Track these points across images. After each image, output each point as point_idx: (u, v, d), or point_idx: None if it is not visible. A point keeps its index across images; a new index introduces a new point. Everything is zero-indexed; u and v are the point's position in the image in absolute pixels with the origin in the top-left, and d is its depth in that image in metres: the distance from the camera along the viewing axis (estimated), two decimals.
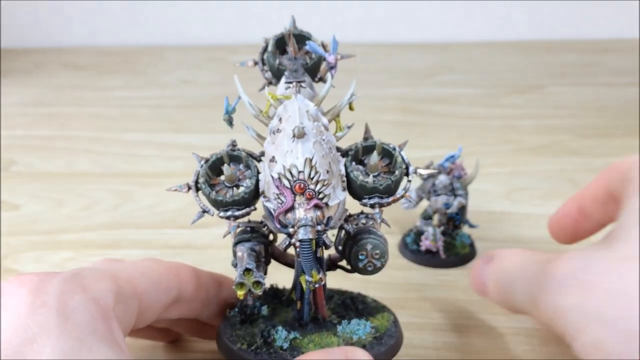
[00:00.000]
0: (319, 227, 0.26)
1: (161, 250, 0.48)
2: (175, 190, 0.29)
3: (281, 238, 0.28)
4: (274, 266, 0.32)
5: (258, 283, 0.28)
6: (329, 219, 0.27)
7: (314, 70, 0.31)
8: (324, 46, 0.31)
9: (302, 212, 0.26)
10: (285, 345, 0.29)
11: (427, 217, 0.45)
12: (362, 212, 0.30)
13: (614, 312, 0.25)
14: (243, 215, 0.29)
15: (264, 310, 0.32)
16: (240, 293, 0.28)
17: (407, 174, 0.29)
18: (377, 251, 0.28)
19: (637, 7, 0.88)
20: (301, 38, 0.31)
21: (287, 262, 0.32)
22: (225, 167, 0.29)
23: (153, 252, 0.48)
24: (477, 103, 0.73)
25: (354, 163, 0.29)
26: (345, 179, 0.29)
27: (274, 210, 0.27)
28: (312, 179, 0.26)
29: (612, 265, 0.27)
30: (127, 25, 0.95)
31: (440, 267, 0.45)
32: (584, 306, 0.26)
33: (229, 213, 0.28)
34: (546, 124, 0.67)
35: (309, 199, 0.26)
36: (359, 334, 0.29)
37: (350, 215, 0.30)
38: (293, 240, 0.26)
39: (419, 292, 0.43)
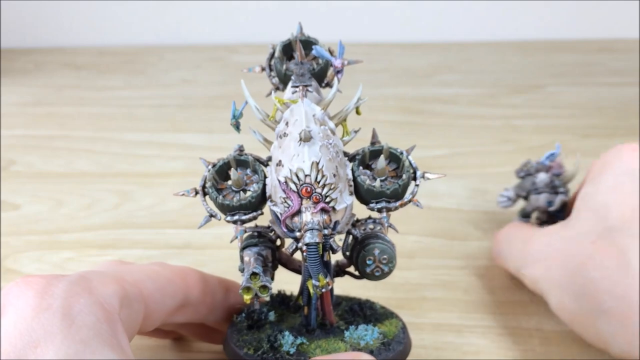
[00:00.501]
0: (326, 231, 0.26)
1: (161, 250, 0.48)
2: (183, 194, 0.29)
3: (288, 243, 0.28)
4: (281, 271, 0.32)
5: (265, 287, 0.28)
6: (336, 223, 0.27)
7: (321, 75, 0.31)
8: (330, 51, 0.31)
9: (309, 216, 0.26)
10: (292, 351, 0.29)
11: (525, 215, 0.45)
12: (369, 217, 0.30)
13: (567, 279, 0.33)
14: (250, 220, 0.29)
15: (271, 316, 0.32)
16: (247, 297, 0.28)
17: (414, 179, 0.29)
18: (385, 256, 0.28)
19: (637, 7, 0.88)
20: (308, 44, 0.31)
21: (294, 268, 0.32)
22: (232, 172, 0.29)
23: (153, 252, 0.48)
24: (477, 103, 0.73)
25: (361, 167, 0.29)
26: (352, 183, 0.29)
27: (280, 214, 0.27)
28: (318, 182, 0.26)
29: (567, 242, 0.34)
30: (127, 25, 0.95)
31: None
32: (548, 276, 0.34)
33: (236, 217, 0.28)
34: (546, 124, 0.67)
35: (316, 202, 0.26)
36: (366, 339, 0.29)
37: (357, 220, 0.30)
38: (300, 245, 0.26)
39: (419, 292, 0.43)
